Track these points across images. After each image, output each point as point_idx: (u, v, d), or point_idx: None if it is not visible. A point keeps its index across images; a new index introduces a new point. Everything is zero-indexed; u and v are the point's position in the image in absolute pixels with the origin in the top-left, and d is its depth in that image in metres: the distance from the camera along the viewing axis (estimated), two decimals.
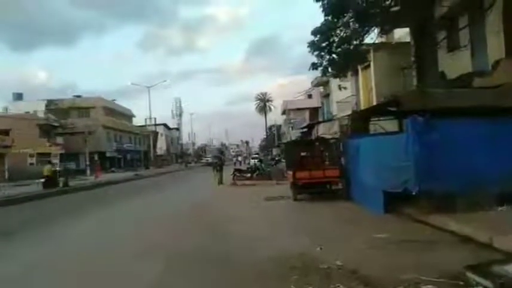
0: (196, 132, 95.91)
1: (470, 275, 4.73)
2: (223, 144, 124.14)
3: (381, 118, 13.94)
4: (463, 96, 10.33)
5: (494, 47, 11.87)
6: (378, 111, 13.82)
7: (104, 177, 35.89)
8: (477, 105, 9.51)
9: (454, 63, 13.85)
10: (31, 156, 40.83)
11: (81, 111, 51.72)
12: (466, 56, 13.47)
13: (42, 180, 24.29)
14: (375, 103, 19.14)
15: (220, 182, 24.07)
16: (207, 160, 70.18)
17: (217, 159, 34.66)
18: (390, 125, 13.89)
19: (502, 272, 4.51)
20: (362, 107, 22.42)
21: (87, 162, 42.78)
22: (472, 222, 7.60)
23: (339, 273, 5.59)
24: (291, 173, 14.94)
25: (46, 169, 24.98)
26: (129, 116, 69.42)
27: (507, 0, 11.36)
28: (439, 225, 8.20)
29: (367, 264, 5.87)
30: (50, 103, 48.40)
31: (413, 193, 9.16)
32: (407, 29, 18.01)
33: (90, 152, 44.32)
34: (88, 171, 40.65)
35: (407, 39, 18.47)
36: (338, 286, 5.09)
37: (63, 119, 45.97)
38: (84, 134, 42.98)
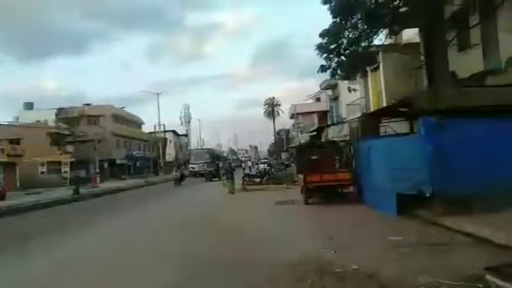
0: (205, 138, 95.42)
1: (489, 277, 4.64)
2: (231, 150, 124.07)
3: (392, 120, 13.81)
4: (477, 95, 10.17)
5: (507, 45, 11.69)
6: (389, 112, 13.70)
7: (113, 184, 35.99)
8: (492, 104, 9.34)
9: (466, 63, 13.67)
10: (42, 164, 41.14)
11: (91, 119, 52.04)
12: (477, 55, 13.27)
13: None
14: (384, 105, 18.97)
15: (232, 191, 21.56)
16: (193, 168, 48.15)
17: (224, 166, 33.84)
18: (401, 126, 13.76)
19: None
20: (372, 109, 22.25)
21: (97, 170, 43.05)
22: (488, 224, 7.46)
23: (355, 277, 5.49)
24: (301, 176, 14.83)
25: None
26: (138, 123, 69.82)
27: None
28: (454, 227, 8.05)
29: (382, 267, 5.75)
30: (60, 112, 48.78)
31: (427, 195, 9.04)
32: (416, 30, 17.86)
33: (100, 160, 44.48)
34: (98, 179, 40.88)
35: (417, 39, 18.35)
36: None
37: (73, 127, 46.31)
38: (94, 142, 43.26)
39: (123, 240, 10.03)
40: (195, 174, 44.78)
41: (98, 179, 37.56)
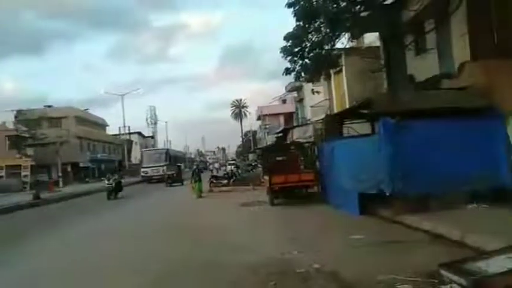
0: (173, 140, 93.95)
1: (444, 273, 4.78)
2: (199, 152, 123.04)
3: (354, 121, 14.13)
4: (432, 97, 10.63)
5: (460, 50, 12.25)
6: (351, 114, 14.02)
7: (78, 187, 34.86)
8: (446, 106, 9.77)
9: (422, 66, 14.20)
10: (0, 168, 39.49)
11: (52, 121, 50.24)
12: (433, 59, 13.84)
13: None
14: (347, 107, 19.41)
15: (200, 195, 20.17)
16: (145, 173, 41.01)
17: (192, 169, 27.41)
18: (363, 128, 14.10)
19: (475, 269, 4.59)
20: (335, 111, 22.69)
21: (60, 174, 41.69)
22: (444, 221, 7.79)
23: (317, 277, 5.62)
24: (267, 178, 14.96)
25: None
26: (102, 125, 68.11)
27: (471, 4, 11.77)
28: (413, 225, 8.37)
29: (344, 266, 5.92)
30: (19, 114, 46.92)
31: (387, 194, 9.33)
32: (377, 34, 18.37)
33: (63, 163, 43.14)
34: (61, 183, 39.60)
35: (378, 43, 18.86)
36: None
37: (33, 130, 44.68)
38: (56, 145, 41.88)
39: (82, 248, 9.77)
40: (149, 180, 39.10)
41: (61, 182, 36.48)
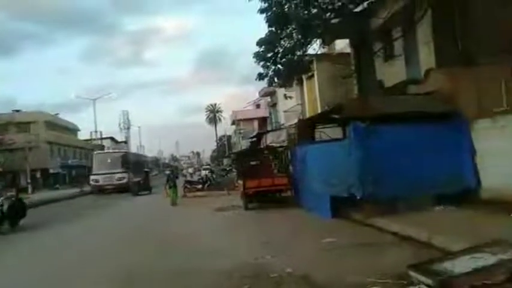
0: (146, 145, 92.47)
1: (412, 273, 4.92)
2: (173, 157, 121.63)
3: (326, 126, 14.34)
4: (399, 102, 10.95)
5: (426, 57, 12.70)
6: (323, 119, 14.22)
7: (45, 195, 33.50)
8: (414, 110, 10.07)
9: (391, 72, 14.61)
10: None
11: (21, 126, 48.65)
12: (400, 65, 14.27)
13: None
14: (319, 111, 19.68)
15: (175, 202, 19.05)
16: (95, 181, 32.55)
17: (166, 174, 24.18)
18: (335, 132, 14.33)
19: (441, 269, 4.75)
20: (308, 116, 22.95)
21: (29, 180, 40.44)
22: (412, 223, 8.01)
23: (289, 280, 5.69)
24: (241, 182, 14.99)
25: None
26: (73, 130, 66.60)
27: (436, 14, 12.21)
28: (383, 228, 8.57)
29: (316, 269, 6.02)
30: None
31: (358, 197, 9.52)
32: (347, 40, 18.73)
33: (32, 169, 41.90)
34: (30, 189, 38.42)
35: (348, 50, 19.24)
36: None
37: (0, 135, 43.23)
38: (24, 150, 40.61)
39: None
40: (102, 190, 31.62)
41: (29, 189, 35.36)
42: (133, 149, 77.36)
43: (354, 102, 12.10)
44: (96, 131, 59.89)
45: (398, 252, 6.70)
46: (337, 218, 10.29)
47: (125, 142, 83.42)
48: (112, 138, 77.87)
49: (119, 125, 79.98)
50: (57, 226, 14.39)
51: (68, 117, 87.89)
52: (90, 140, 62.96)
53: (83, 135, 68.15)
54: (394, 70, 14.37)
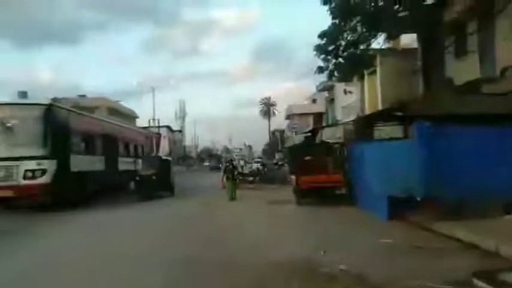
0: (200, 135, 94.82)
1: (476, 281, 4.68)
2: (226, 148, 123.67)
3: (386, 124, 13.85)
4: (472, 102, 10.24)
5: (503, 53, 11.78)
6: (383, 116, 13.74)
7: None
8: (486, 112, 9.41)
9: (462, 69, 13.74)
10: None
11: (85, 111, 51.63)
12: (474, 62, 13.36)
13: None
14: (380, 108, 19.05)
15: (233, 196, 17.34)
16: None
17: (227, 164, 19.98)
18: (394, 131, 13.80)
19: (508, 280, 4.51)
20: (367, 112, 22.32)
21: None
22: (478, 230, 7.51)
23: (342, 278, 5.49)
24: (293, 177, 14.83)
25: None
26: (133, 117, 69.53)
27: None
28: (444, 232, 8.12)
29: (371, 269, 5.76)
30: (53, 102, 48.06)
31: (418, 199, 9.08)
32: (414, 35, 17.94)
33: None
34: None
35: (414, 45, 18.42)
36: None
37: None
38: None
39: None
40: None
41: None
42: (188, 137, 78.51)
43: (420, 100, 11.53)
44: (154, 119, 62.15)
45: (460, 258, 6.29)
46: (393, 219, 9.85)
47: (180, 131, 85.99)
48: (168, 127, 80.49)
49: (175, 113, 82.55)
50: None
51: (127, 104, 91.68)
52: (148, 127, 65.46)
53: (140, 122, 71.01)
54: (466, 67, 13.51)
